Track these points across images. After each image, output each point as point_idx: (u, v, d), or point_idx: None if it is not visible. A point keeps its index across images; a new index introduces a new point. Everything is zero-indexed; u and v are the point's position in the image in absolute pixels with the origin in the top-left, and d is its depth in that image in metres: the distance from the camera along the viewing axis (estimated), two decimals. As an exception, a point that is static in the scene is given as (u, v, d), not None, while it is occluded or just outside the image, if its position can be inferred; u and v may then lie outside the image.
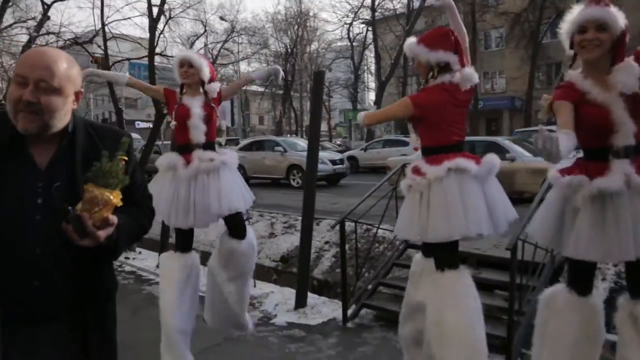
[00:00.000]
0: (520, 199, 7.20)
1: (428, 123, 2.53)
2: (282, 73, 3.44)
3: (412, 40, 2.64)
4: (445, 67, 2.51)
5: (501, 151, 10.01)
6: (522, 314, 3.85)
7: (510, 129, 26.34)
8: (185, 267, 3.06)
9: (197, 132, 2.99)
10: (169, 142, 11.34)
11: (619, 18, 1.96)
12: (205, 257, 3.53)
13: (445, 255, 2.50)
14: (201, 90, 3.08)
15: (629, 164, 1.99)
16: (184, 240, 3.11)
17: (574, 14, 2.03)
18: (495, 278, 4.41)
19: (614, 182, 1.97)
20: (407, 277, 5.12)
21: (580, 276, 2.22)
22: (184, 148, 3.04)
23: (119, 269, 6.65)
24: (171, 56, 17.05)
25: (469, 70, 2.55)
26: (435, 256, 2.54)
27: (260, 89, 40.30)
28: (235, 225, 3.20)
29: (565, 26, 2.08)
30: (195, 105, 3.00)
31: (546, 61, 26.34)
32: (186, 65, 3.02)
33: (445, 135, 2.52)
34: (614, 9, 1.97)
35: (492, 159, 2.53)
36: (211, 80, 3.12)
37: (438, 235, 2.42)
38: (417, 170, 2.51)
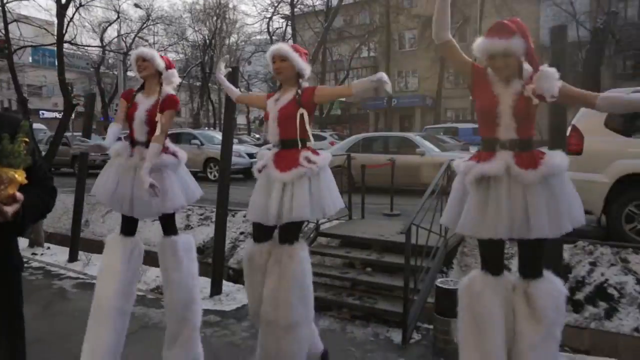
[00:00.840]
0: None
1: (309, 118, 2.88)
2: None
3: (286, 45, 2.96)
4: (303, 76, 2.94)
5: (412, 146, 10.65)
6: (418, 291, 4.28)
7: (422, 125, 27.76)
8: (129, 247, 3.14)
9: (139, 132, 3.11)
10: (79, 133, 10.73)
11: (519, 43, 2.23)
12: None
13: (298, 229, 2.96)
14: (158, 89, 3.17)
15: (512, 156, 2.32)
16: (128, 225, 3.21)
17: (480, 45, 2.31)
18: (396, 261, 4.83)
19: (493, 167, 2.31)
20: (318, 263, 5.45)
21: (491, 257, 2.48)
22: (132, 141, 3.16)
23: (26, 265, 6.42)
24: (82, 45, 16.18)
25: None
26: (292, 233, 2.89)
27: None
28: (167, 223, 3.29)
29: (476, 52, 2.37)
30: (141, 109, 3.11)
31: (454, 63, 27.93)
32: (140, 60, 3.16)
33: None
34: (514, 38, 2.22)
35: (326, 154, 2.99)
36: (169, 67, 3.25)
37: (336, 209, 2.88)
38: (308, 160, 2.81)
